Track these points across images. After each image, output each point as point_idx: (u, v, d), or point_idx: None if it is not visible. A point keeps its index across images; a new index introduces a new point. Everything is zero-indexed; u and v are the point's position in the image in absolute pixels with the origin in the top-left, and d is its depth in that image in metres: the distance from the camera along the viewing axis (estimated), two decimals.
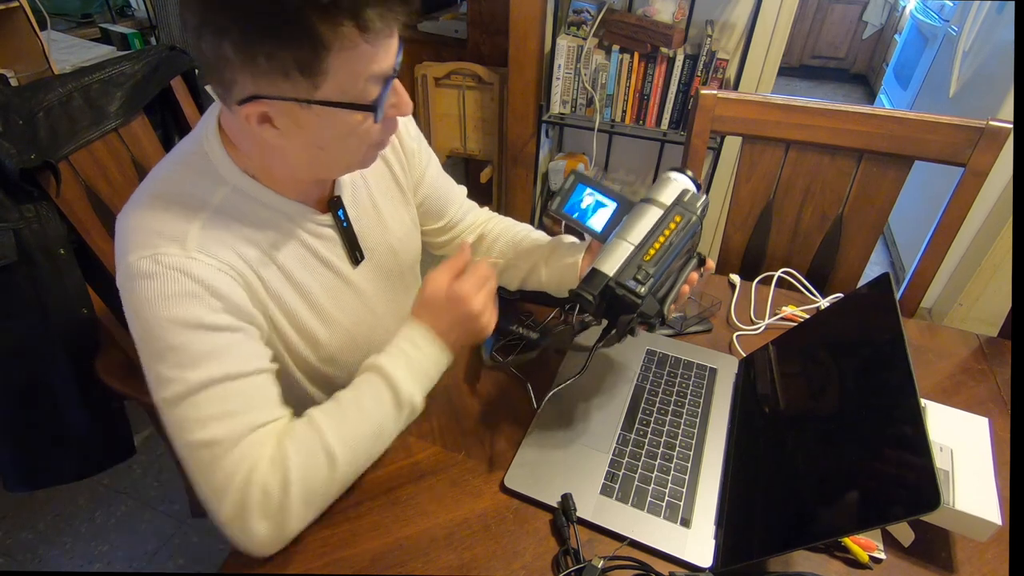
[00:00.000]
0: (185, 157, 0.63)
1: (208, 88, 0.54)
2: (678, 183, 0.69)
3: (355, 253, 0.74)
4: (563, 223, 0.75)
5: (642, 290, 0.60)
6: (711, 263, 0.73)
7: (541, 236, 0.87)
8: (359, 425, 0.61)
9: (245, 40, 0.48)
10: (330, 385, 0.74)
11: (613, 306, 0.63)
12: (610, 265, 0.63)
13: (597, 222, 0.72)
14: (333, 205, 0.70)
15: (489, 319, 0.67)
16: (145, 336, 0.57)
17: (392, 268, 0.80)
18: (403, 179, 0.80)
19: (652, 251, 0.63)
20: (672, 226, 0.64)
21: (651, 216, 0.66)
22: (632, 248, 0.64)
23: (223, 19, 0.48)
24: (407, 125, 0.80)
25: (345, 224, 0.72)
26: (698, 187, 0.70)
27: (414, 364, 0.64)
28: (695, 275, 0.71)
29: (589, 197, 0.73)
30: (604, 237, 0.70)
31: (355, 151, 0.60)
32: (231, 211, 0.61)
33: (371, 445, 0.63)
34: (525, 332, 0.77)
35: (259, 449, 0.57)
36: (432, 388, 0.66)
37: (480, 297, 0.65)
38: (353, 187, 0.73)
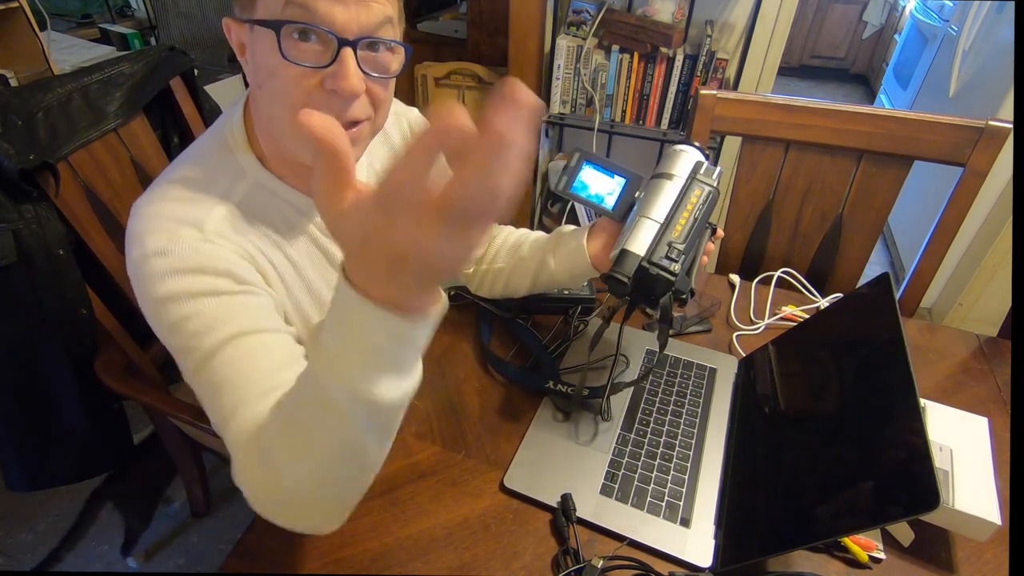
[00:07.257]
0: (208, 153, 0.63)
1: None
2: (689, 155, 0.69)
3: None
4: (563, 215, 0.74)
5: (676, 268, 0.61)
6: (721, 231, 0.74)
7: (541, 235, 0.86)
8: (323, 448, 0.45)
9: None
10: None
11: (644, 286, 0.63)
12: (639, 245, 0.63)
13: (608, 200, 0.72)
14: None
15: (446, 249, 0.32)
16: (156, 312, 0.55)
17: None
18: None
19: (679, 227, 0.63)
20: (693, 200, 0.65)
21: (670, 191, 0.66)
22: (658, 226, 0.64)
23: None
24: (412, 125, 0.81)
25: None
26: (706, 157, 0.70)
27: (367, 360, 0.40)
28: (711, 245, 0.71)
29: (596, 174, 0.72)
30: (618, 215, 0.71)
31: (282, 102, 0.55)
32: (251, 206, 0.62)
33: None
34: (564, 389, 0.77)
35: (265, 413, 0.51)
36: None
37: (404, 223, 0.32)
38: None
